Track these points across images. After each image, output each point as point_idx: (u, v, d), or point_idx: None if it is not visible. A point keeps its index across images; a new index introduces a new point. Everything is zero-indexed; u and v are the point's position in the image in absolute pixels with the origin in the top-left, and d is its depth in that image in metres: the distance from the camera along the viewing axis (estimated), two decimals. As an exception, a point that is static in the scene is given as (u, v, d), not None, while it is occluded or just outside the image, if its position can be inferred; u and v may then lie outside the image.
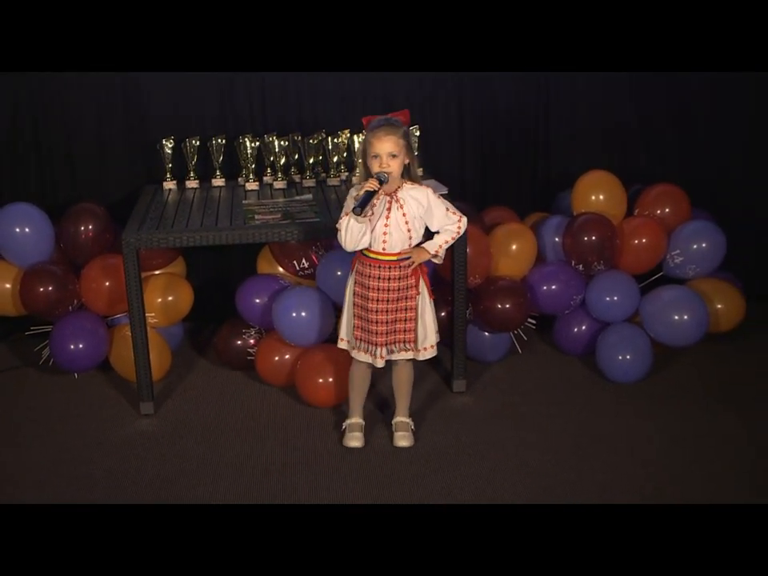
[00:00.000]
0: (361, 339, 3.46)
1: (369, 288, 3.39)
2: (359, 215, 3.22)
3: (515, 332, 4.27)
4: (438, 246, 3.41)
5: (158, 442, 3.69)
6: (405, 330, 3.45)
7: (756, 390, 3.96)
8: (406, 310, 3.43)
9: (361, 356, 3.49)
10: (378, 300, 3.39)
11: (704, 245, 4.18)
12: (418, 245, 3.42)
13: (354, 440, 3.59)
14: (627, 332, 4.05)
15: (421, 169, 4.44)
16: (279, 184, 4.38)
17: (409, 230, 3.35)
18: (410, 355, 3.50)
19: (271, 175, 4.43)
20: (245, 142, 4.37)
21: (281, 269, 4.23)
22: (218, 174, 4.44)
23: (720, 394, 3.94)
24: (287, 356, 3.96)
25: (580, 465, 3.45)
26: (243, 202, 4.14)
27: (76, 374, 4.18)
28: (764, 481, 3.31)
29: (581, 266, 4.18)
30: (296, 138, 4.40)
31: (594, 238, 4.12)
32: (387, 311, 3.40)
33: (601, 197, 4.25)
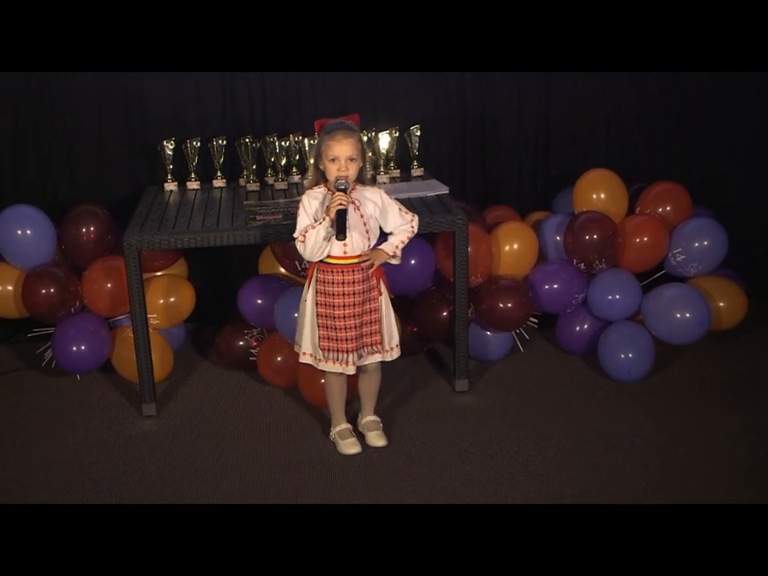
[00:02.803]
0: (329, 349, 3.42)
1: (334, 295, 3.37)
2: (345, 239, 3.24)
3: (517, 331, 4.28)
4: (395, 247, 3.42)
5: (160, 442, 3.69)
6: (371, 333, 3.44)
7: (758, 388, 3.96)
8: (371, 312, 3.43)
9: (330, 367, 3.45)
10: (344, 306, 3.37)
11: (705, 242, 4.17)
12: (374, 246, 3.42)
13: (352, 446, 3.57)
14: (629, 330, 4.05)
15: (422, 168, 4.47)
16: (280, 185, 4.38)
17: (367, 231, 3.35)
18: (378, 357, 3.49)
19: (272, 176, 4.43)
20: (245, 142, 4.37)
21: (282, 269, 4.23)
22: (218, 174, 4.44)
23: (722, 392, 3.94)
24: (289, 356, 3.96)
25: (583, 464, 3.45)
26: (244, 202, 4.14)
27: (78, 376, 4.18)
28: (766, 480, 3.30)
29: (582, 264, 4.18)
30: (297, 138, 4.40)
31: (595, 236, 4.11)
32: (354, 315, 3.38)
33: (602, 195, 4.24)
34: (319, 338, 3.43)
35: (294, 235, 3.34)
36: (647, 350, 4.02)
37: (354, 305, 3.38)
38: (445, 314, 4.09)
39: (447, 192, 4.14)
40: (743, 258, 4.56)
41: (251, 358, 4.13)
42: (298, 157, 4.44)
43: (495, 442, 3.61)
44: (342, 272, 3.35)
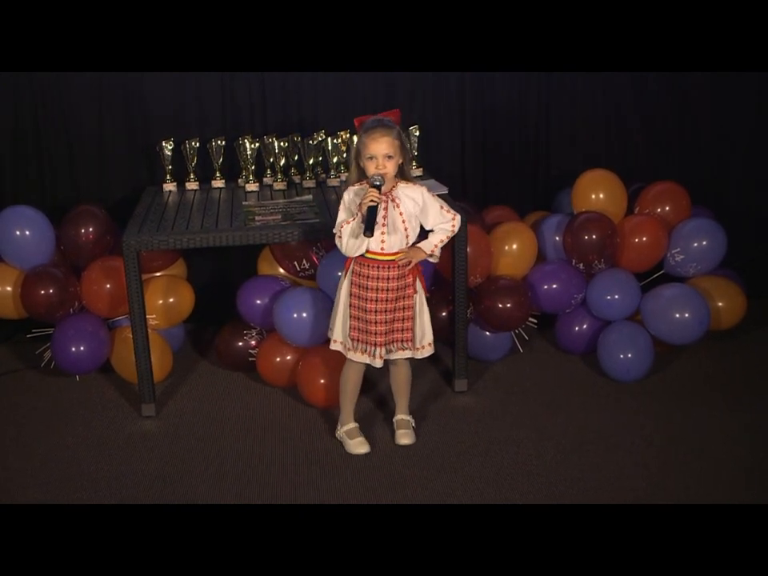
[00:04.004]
0: (358, 340, 3.45)
1: (367, 288, 3.39)
2: (372, 236, 3.25)
3: (516, 331, 4.27)
4: (433, 246, 3.42)
5: (159, 443, 3.69)
6: (403, 329, 3.45)
7: (758, 388, 3.96)
8: (404, 309, 3.43)
9: (357, 357, 3.47)
10: (376, 300, 3.39)
11: (704, 242, 4.17)
12: (413, 244, 3.42)
13: (361, 446, 3.57)
14: (628, 330, 4.05)
15: (421, 168, 4.46)
16: (279, 185, 4.38)
17: (406, 229, 3.35)
18: (408, 354, 3.50)
19: (271, 176, 4.43)
20: (244, 143, 4.38)
21: (281, 270, 4.23)
22: (217, 175, 4.44)
23: (721, 392, 3.94)
24: (288, 357, 3.96)
25: (582, 464, 3.45)
26: (243, 203, 4.14)
27: (77, 377, 4.18)
28: (765, 480, 3.30)
29: (581, 264, 4.18)
30: (296, 138, 4.40)
31: (594, 236, 4.11)
32: (386, 311, 3.40)
33: (601, 195, 4.25)
34: (350, 327, 3.45)
35: (333, 231, 3.38)
36: (646, 349, 4.02)
37: (387, 300, 3.39)
38: (444, 314, 4.08)
39: (446, 192, 4.14)
40: (743, 258, 4.56)
41: (250, 359, 4.13)
42: (296, 157, 4.44)
43: (494, 443, 3.61)
44: (378, 267, 3.37)
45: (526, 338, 4.36)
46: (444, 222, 3.43)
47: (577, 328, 4.26)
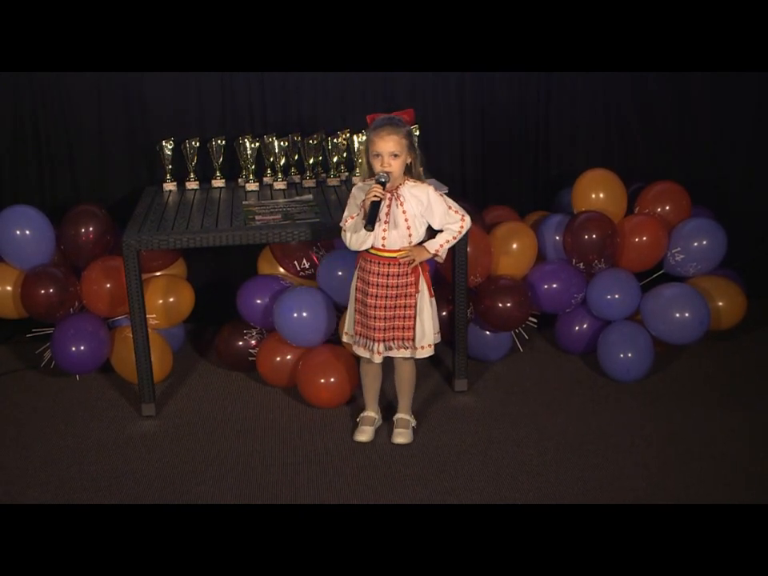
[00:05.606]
0: (360, 334, 3.50)
1: (368, 284, 3.42)
2: (372, 230, 3.27)
3: (516, 331, 4.27)
4: (438, 245, 3.43)
5: (159, 443, 3.69)
6: (403, 328, 3.46)
7: (757, 388, 3.96)
8: (404, 307, 3.44)
9: (360, 351, 3.54)
10: (376, 296, 3.41)
11: (705, 242, 4.17)
12: (420, 243, 3.42)
13: (363, 434, 3.61)
14: (628, 330, 4.05)
15: (421, 168, 4.45)
16: (279, 185, 4.37)
17: (408, 228, 3.36)
18: (407, 353, 3.51)
19: (271, 176, 4.43)
20: (244, 142, 4.37)
21: (281, 269, 4.23)
22: (218, 175, 4.44)
23: (721, 392, 3.94)
24: (288, 356, 3.96)
25: (582, 463, 3.45)
26: (243, 202, 4.14)
27: (77, 376, 4.18)
28: (765, 480, 3.30)
29: (581, 264, 4.18)
30: (296, 138, 4.40)
31: (594, 236, 4.11)
32: (385, 307, 3.42)
33: (601, 195, 4.25)
34: (355, 321, 3.51)
35: (340, 224, 3.44)
36: (646, 349, 4.02)
37: (387, 297, 3.42)
38: (444, 313, 4.08)
39: (447, 191, 4.13)
40: (743, 258, 4.56)
41: (250, 358, 4.13)
42: (296, 157, 4.43)
43: (494, 442, 3.61)
44: (380, 264, 3.40)
45: (526, 337, 4.36)
46: (452, 223, 3.43)
47: (577, 328, 4.26)
